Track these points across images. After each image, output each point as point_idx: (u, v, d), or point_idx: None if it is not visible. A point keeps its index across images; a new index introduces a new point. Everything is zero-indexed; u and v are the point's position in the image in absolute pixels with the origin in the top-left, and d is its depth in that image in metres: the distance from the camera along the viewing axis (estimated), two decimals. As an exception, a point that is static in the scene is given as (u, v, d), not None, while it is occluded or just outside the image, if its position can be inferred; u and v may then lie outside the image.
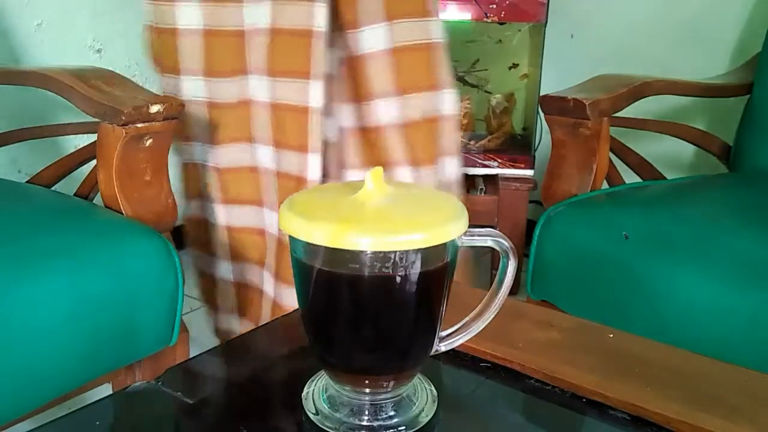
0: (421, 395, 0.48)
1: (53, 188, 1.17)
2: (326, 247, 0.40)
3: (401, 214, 0.42)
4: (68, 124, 1.21)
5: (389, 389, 0.46)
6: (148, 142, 0.98)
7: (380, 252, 0.40)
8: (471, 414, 0.51)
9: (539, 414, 0.51)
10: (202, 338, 1.30)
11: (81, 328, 0.82)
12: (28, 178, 1.21)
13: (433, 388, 0.49)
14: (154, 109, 0.96)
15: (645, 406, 0.48)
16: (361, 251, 0.40)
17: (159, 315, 0.92)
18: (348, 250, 0.39)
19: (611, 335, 0.59)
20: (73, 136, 1.27)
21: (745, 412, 0.49)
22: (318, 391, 0.48)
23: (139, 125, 0.95)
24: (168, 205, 1.03)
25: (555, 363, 0.52)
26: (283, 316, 0.64)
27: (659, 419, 0.47)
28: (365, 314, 0.43)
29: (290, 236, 0.42)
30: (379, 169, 0.43)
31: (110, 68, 1.14)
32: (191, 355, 1.07)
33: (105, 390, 0.93)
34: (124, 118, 0.93)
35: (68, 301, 0.81)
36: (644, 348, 0.59)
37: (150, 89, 1.06)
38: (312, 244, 0.40)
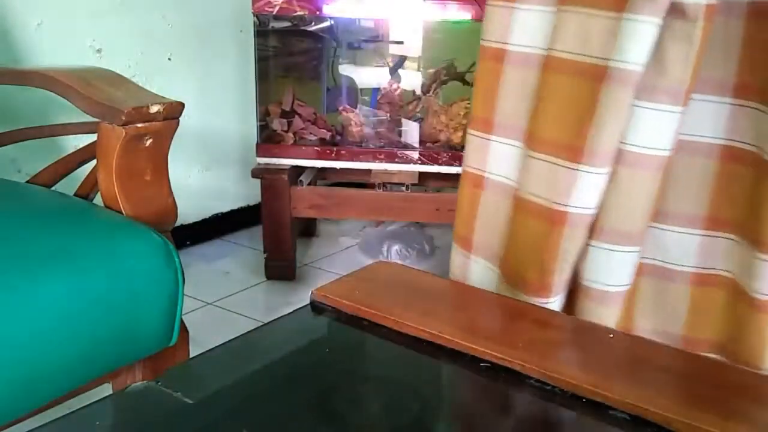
0: None
1: (53, 188, 1.17)
2: None
3: None
4: (68, 124, 1.21)
5: None
6: (148, 142, 0.98)
7: None
8: (470, 414, 0.51)
9: (539, 414, 0.51)
10: (202, 338, 1.30)
11: (81, 328, 0.82)
12: (28, 178, 1.21)
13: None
14: (154, 109, 0.96)
15: (645, 406, 0.48)
16: None
17: (159, 315, 0.92)
18: None
19: (611, 335, 0.59)
20: (73, 136, 1.27)
21: (745, 412, 0.49)
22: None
23: (139, 125, 0.95)
24: (168, 205, 1.03)
25: (555, 363, 0.52)
26: (282, 316, 0.64)
27: (659, 419, 0.47)
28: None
29: None
30: None
31: (110, 68, 1.14)
32: (191, 355, 1.07)
33: (105, 390, 0.93)
34: (124, 118, 0.93)
35: (68, 300, 0.81)
36: (644, 348, 0.59)
37: (150, 89, 1.06)
38: None
